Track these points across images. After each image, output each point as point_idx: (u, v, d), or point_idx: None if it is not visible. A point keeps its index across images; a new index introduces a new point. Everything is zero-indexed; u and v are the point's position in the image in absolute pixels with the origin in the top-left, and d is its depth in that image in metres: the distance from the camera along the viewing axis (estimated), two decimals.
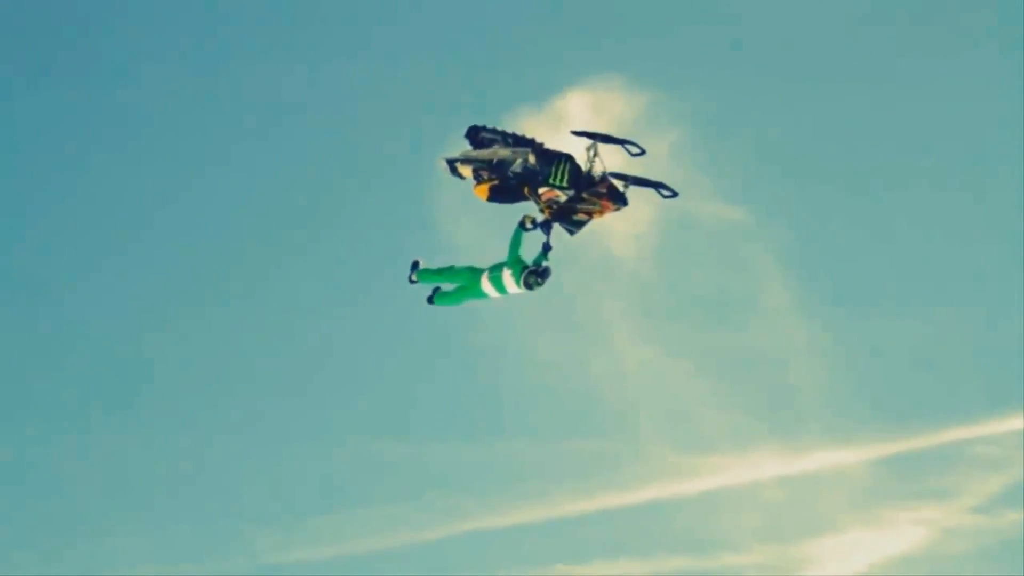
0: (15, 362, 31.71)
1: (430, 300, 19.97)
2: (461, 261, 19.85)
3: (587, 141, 19.15)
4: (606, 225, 27.22)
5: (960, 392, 30.38)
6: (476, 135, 19.88)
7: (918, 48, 32.05)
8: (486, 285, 19.48)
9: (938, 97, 31.78)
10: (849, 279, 31.75)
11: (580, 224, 19.31)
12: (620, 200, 19.15)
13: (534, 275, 19.13)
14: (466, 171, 19.76)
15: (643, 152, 19.03)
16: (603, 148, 19.36)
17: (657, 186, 19.19)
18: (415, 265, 20.05)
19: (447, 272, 19.83)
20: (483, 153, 19.71)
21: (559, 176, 19.15)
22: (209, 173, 32.62)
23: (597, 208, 19.22)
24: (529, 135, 19.63)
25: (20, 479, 30.58)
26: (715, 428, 30.20)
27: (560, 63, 28.10)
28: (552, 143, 19.62)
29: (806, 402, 30.40)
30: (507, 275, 19.29)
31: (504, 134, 19.72)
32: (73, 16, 33.36)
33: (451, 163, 19.80)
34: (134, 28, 33.11)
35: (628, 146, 19.04)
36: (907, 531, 29.58)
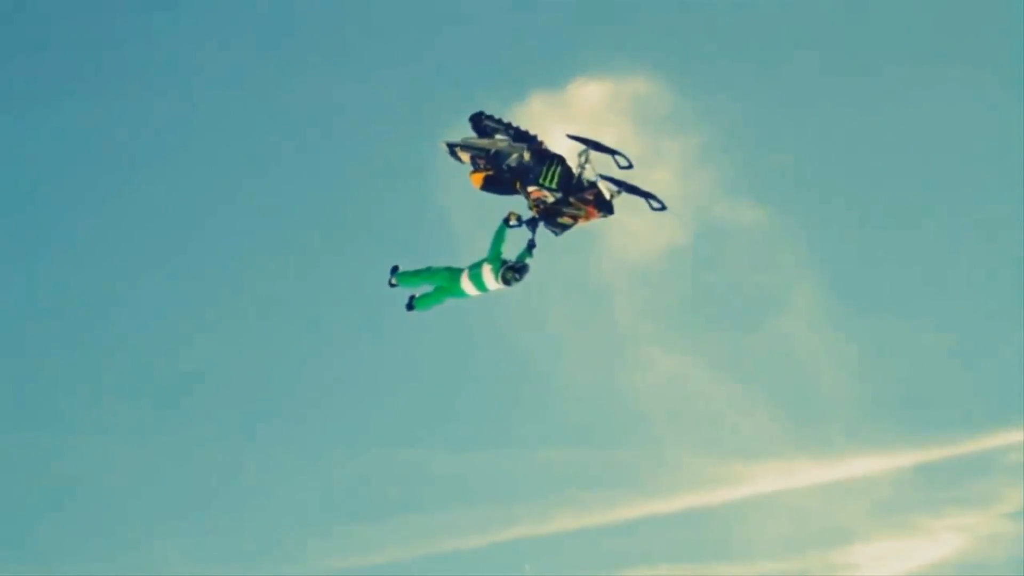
0: (74, 374, 32.04)
1: (409, 307, 20.08)
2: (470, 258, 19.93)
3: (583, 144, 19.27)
4: (633, 229, 27.54)
5: (994, 397, 30.33)
6: (480, 122, 19.98)
7: (953, 51, 32.01)
8: (466, 283, 19.61)
9: (973, 100, 31.67)
10: (880, 283, 31.83)
11: (565, 227, 19.45)
12: (606, 209, 19.27)
13: (512, 271, 19.29)
14: (465, 156, 19.92)
15: (631, 166, 19.11)
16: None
17: (647, 196, 19.27)
18: (394, 269, 20.16)
19: (425, 273, 19.97)
20: (482, 142, 19.84)
21: (549, 177, 19.30)
22: (237, 179, 32.87)
23: (582, 213, 19.35)
24: (533, 131, 19.73)
25: (75, 487, 31.06)
26: (749, 436, 30.36)
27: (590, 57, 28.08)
28: (558, 137, 19.73)
29: (838, 409, 30.56)
30: (487, 270, 19.42)
31: (507, 125, 19.82)
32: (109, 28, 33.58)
33: (451, 147, 19.95)
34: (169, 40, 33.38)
35: (617, 156, 19.12)
36: (942, 538, 29.67)
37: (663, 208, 19.28)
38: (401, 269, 20.14)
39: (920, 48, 32.05)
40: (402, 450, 30.54)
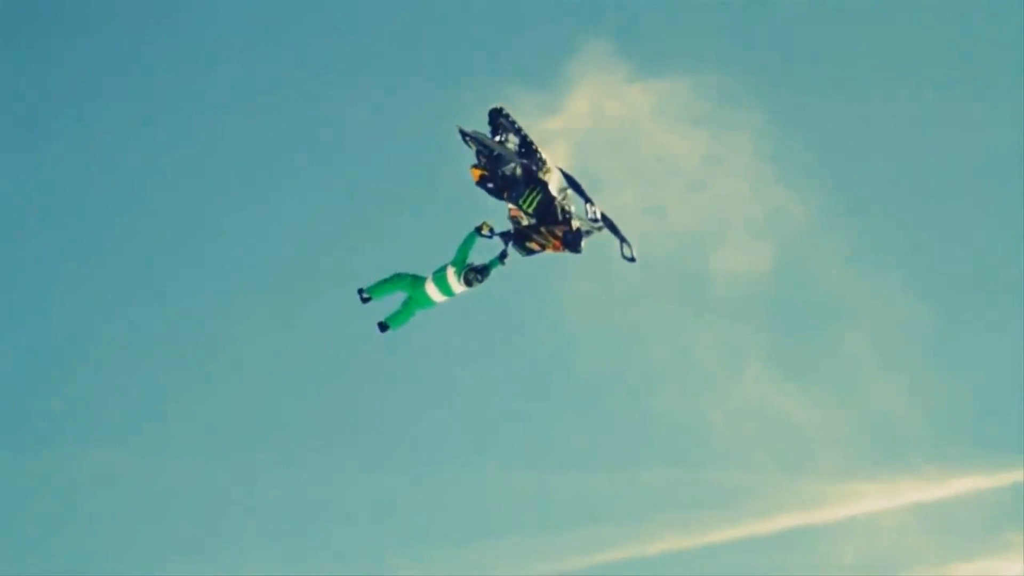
0: (162, 394, 32.28)
1: (383, 328, 20.31)
2: None
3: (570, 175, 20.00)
4: (721, 253, 27.80)
5: None
6: (495, 118, 20.43)
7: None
8: (430, 287, 20.06)
9: None
10: (973, 298, 31.94)
11: (531, 251, 20.11)
12: (573, 248, 19.88)
13: (474, 271, 19.86)
14: (473, 147, 20.40)
15: (589, 200, 19.81)
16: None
17: (623, 241, 19.86)
18: (360, 291, 20.33)
19: (394, 280, 20.27)
20: (488, 141, 20.29)
21: (529, 201, 19.89)
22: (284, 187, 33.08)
23: (549, 245, 20.00)
24: (542, 149, 20.18)
25: (162, 505, 31.32)
26: (848, 455, 30.37)
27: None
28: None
29: (934, 428, 30.66)
30: (450, 273, 19.93)
31: (519, 131, 20.28)
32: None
33: (463, 134, 20.42)
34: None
35: (588, 206, 19.75)
36: None
37: (632, 260, 19.82)
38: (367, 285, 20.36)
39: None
40: (502, 472, 30.93)
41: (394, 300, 20.68)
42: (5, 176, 33.00)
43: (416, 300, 20.23)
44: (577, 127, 25.05)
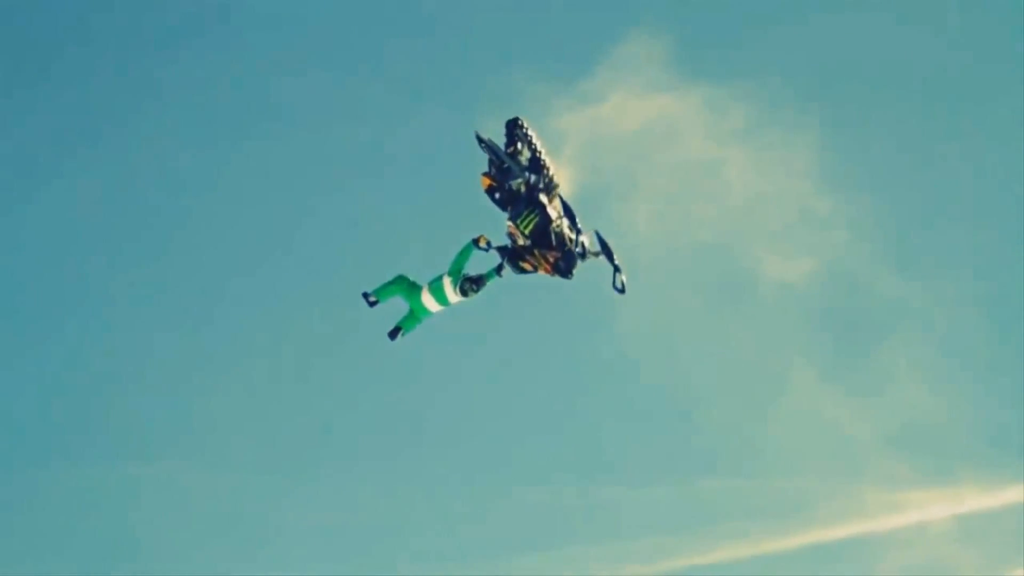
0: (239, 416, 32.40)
1: (393, 334, 20.45)
2: None
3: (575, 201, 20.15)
4: (773, 265, 28.07)
5: None
6: (512, 129, 20.52)
7: None
8: (426, 297, 20.16)
9: None
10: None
11: (523, 271, 20.22)
12: (562, 275, 19.94)
13: (470, 281, 19.98)
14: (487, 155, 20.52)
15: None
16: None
17: (616, 270, 19.81)
18: (365, 295, 20.42)
19: (396, 282, 20.34)
20: (500, 152, 20.39)
21: (526, 223, 19.99)
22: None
23: (541, 267, 20.10)
24: (552, 169, 20.25)
25: (236, 526, 31.53)
26: (898, 465, 30.80)
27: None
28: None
29: (987, 436, 30.87)
30: (447, 283, 20.03)
31: (532, 145, 20.35)
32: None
33: (480, 140, 20.48)
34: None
35: (579, 236, 19.76)
36: None
37: (621, 291, 19.82)
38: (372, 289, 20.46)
39: None
40: (567, 483, 31.14)
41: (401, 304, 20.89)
42: (63, 196, 32.68)
43: (417, 312, 20.38)
44: (620, 128, 25.30)
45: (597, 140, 24.77)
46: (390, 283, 20.31)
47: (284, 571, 30.33)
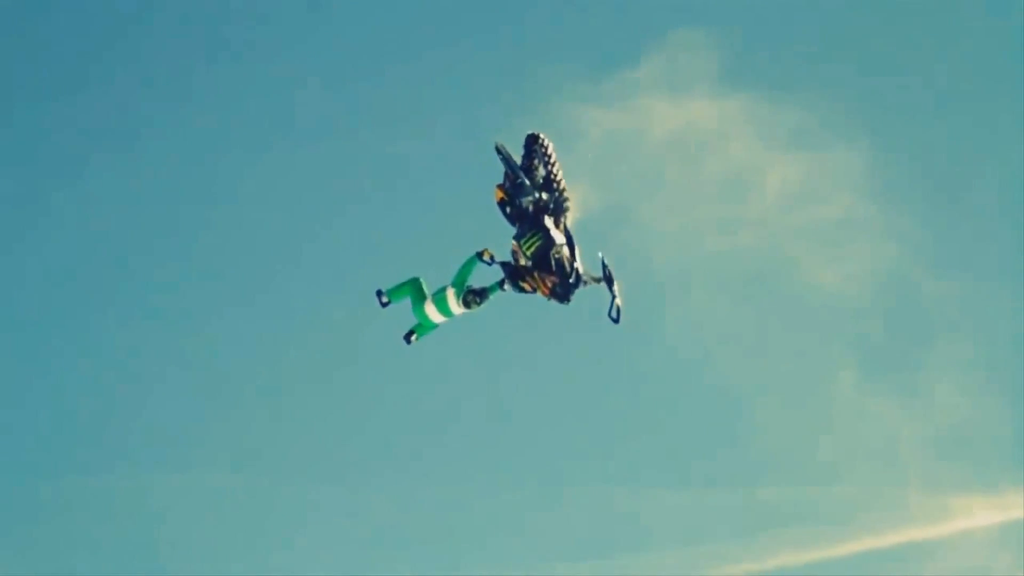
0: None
1: (408, 338, 20.51)
2: None
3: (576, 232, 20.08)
4: (828, 272, 28.16)
5: None
6: (530, 144, 20.52)
7: None
8: (430, 308, 20.21)
9: None
10: None
11: (521, 290, 20.19)
12: (559, 300, 19.88)
13: (473, 294, 20.01)
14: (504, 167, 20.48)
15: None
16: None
17: (612, 298, 19.76)
18: (379, 293, 20.46)
19: (409, 285, 20.37)
20: (515, 166, 20.34)
21: (528, 244, 19.98)
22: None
23: (539, 289, 20.05)
24: (566, 188, 20.21)
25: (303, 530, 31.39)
26: (961, 468, 30.76)
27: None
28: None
29: None
30: (450, 295, 20.05)
31: (548, 164, 20.32)
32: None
33: (499, 152, 20.42)
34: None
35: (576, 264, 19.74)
36: None
37: (616, 320, 19.79)
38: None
39: None
40: (621, 489, 31.09)
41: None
42: (94, 199, 32.46)
43: (424, 323, 20.38)
44: (664, 128, 25.27)
45: (642, 140, 24.65)
46: (403, 285, 20.34)
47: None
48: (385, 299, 20.23)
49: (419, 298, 20.11)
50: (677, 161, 26.73)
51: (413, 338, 20.35)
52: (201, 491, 31.35)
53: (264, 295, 33.15)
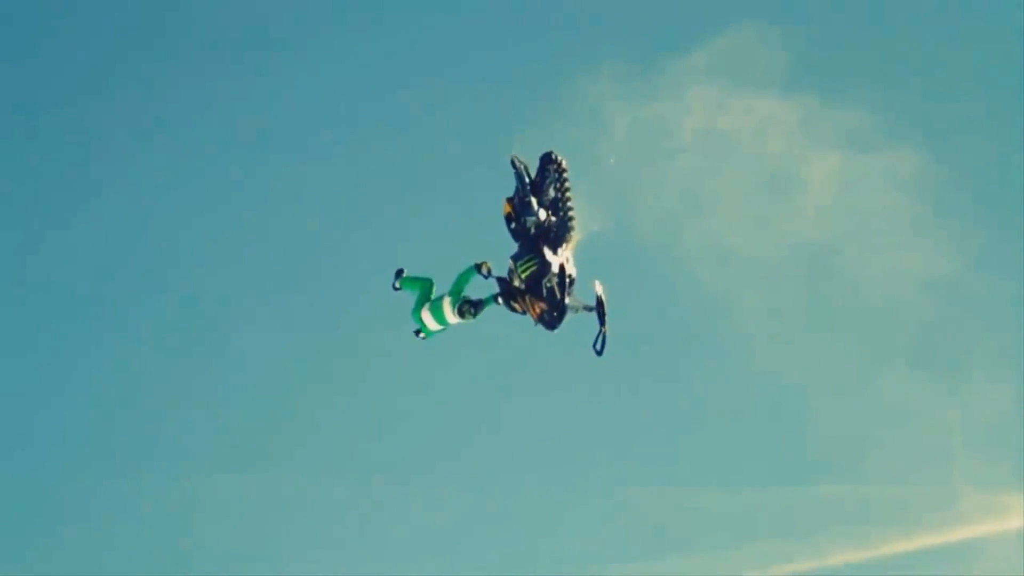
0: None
1: (417, 333, 20.53)
2: None
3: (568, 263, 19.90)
4: (873, 270, 28.10)
5: None
6: (544, 162, 20.44)
7: None
8: (426, 315, 20.25)
9: None
10: None
11: (513, 309, 20.18)
12: (546, 326, 19.87)
13: (468, 304, 20.05)
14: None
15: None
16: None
17: (602, 324, 19.70)
18: (399, 273, 20.59)
19: (421, 283, 20.46)
20: (525, 185, 20.29)
21: (523, 268, 19.94)
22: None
23: (529, 312, 20.02)
24: (574, 210, 20.14)
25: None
26: (1012, 465, 30.53)
27: None
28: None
29: None
30: (446, 304, 20.09)
31: (560, 185, 20.23)
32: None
33: (513, 164, 20.38)
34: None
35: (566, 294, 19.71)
36: None
37: (599, 353, 19.74)
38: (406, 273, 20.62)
39: None
40: (678, 488, 31.14)
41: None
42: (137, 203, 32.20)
43: (414, 320, 20.38)
44: (720, 124, 25.24)
45: (699, 135, 24.60)
46: (419, 279, 20.40)
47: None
48: (398, 284, 20.33)
49: (423, 299, 20.17)
50: (726, 155, 26.62)
51: (421, 335, 20.42)
52: (227, 492, 31.32)
53: (280, 298, 33.16)
